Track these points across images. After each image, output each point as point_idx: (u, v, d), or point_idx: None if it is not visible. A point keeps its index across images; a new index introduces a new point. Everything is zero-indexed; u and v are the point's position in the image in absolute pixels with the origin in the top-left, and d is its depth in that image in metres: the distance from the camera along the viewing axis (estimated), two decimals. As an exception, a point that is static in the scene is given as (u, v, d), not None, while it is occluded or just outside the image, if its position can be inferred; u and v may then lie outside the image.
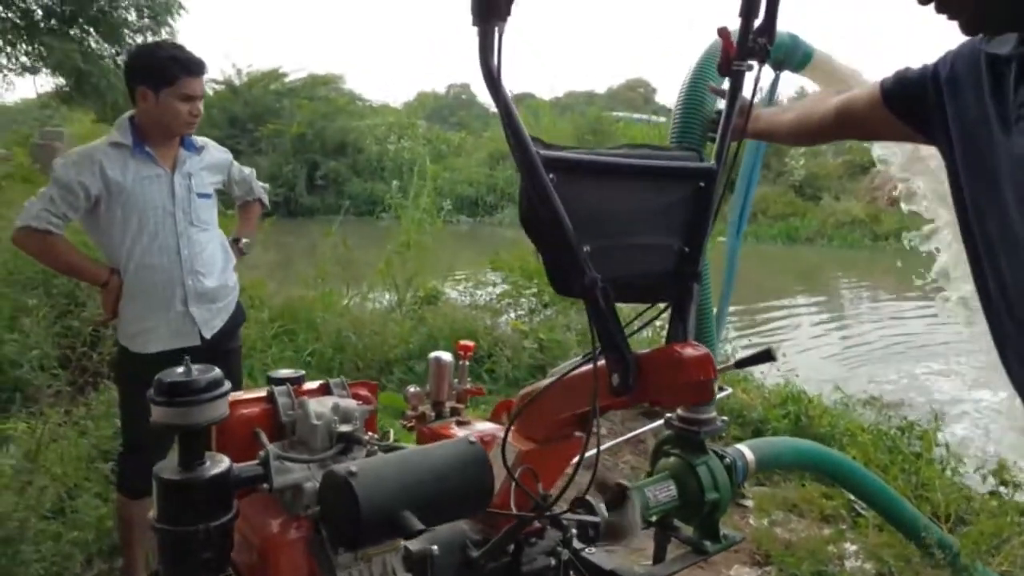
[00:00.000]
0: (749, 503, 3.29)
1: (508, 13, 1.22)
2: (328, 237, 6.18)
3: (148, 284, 2.47)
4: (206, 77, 2.58)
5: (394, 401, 3.64)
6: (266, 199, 3.02)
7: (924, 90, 1.32)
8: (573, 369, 1.48)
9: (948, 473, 3.55)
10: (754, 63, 1.53)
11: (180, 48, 2.53)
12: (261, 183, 3.00)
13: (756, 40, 1.51)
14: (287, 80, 23.08)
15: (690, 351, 1.33)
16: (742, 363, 1.54)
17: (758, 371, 5.06)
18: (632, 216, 1.43)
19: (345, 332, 4.85)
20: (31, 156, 10.31)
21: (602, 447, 2.32)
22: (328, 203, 19.89)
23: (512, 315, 5.82)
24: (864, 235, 15.82)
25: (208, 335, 2.54)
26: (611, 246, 1.38)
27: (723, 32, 1.56)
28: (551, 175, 1.31)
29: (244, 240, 2.91)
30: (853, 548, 2.81)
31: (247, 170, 2.92)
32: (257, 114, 21.60)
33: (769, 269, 14.11)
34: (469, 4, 1.23)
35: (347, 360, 4.64)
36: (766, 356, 1.47)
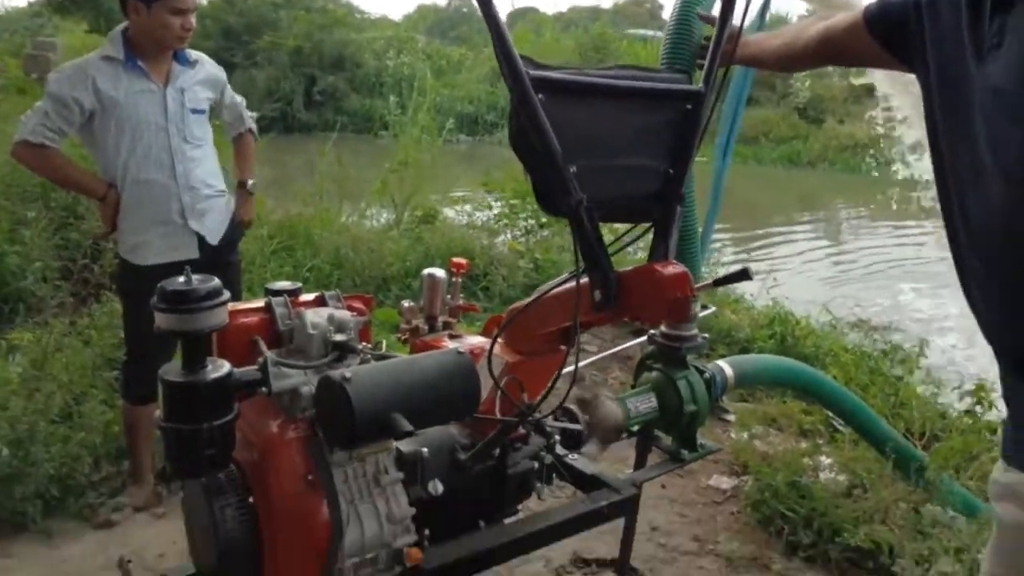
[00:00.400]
0: (731, 417, 3.42)
1: (500, -69, 1.23)
2: (323, 156, 6.14)
3: (144, 198, 2.51)
4: None
5: (390, 316, 3.73)
6: (255, 129, 2.99)
7: (906, 17, 1.33)
8: (558, 285, 1.54)
9: (927, 394, 3.67)
10: (746, -16, 1.54)
11: None
12: (251, 113, 2.97)
13: (749, -40, 1.51)
14: (285, -10, 22.40)
15: (670, 270, 1.39)
16: (719, 282, 1.60)
17: (748, 292, 5.15)
18: (619, 137, 1.47)
19: (343, 249, 4.90)
20: (24, 67, 10.12)
21: (586, 361, 2.42)
22: (326, 119, 19.59)
23: (509, 235, 5.87)
24: (864, 159, 15.68)
25: (215, 242, 2.60)
26: (597, 167, 1.43)
27: (717, -48, 1.57)
28: (540, 95, 1.34)
29: (251, 181, 2.87)
30: (828, 461, 2.94)
31: (238, 98, 2.90)
32: (252, 25, 21.02)
33: (769, 192, 14.07)
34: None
35: (345, 276, 4.71)
36: (742, 275, 1.53)
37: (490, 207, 6.51)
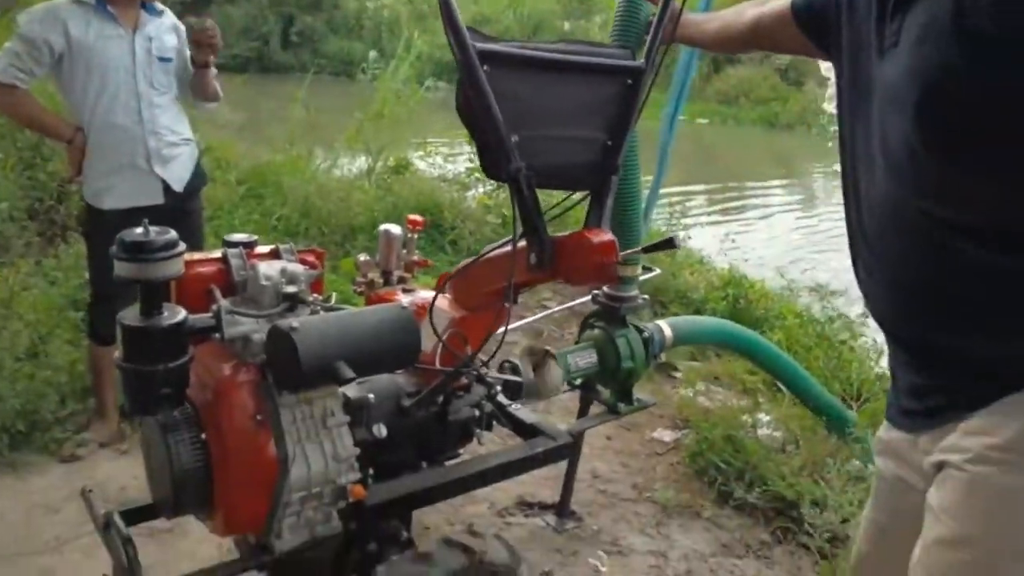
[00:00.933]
0: (679, 375, 3.58)
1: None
2: (296, 101, 6.11)
3: (111, 142, 2.55)
4: None
5: (350, 267, 3.81)
6: (219, 92, 2.92)
7: (828, 10, 1.43)
8: (498, 247, 1.64)
9: (868, 359, 3.83)
10: (689, -36, 1.62)
11: None
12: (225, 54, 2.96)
13: (691, -57, 1.59)
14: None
15: (599, 237, 1.50)
16: (648, 249, 1.70)
17: (711, 255, 5.29)
18: (560, 109, 1.55)
19: (312, 198, 4.93)
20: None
21: (537, 317, 2.54)
22: (303, 60, 19.27)
23: (480, 190, 5.92)
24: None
25: (180, 189, 2.65)
26: (538, 136, 1.52)
27: (660, -60, 1.64)
28: (485, 67, 1.42)
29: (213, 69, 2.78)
30: (767, 418, 3.10)
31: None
32: (229, -40, 20.49)
33: (746, 153, 14.17)
34: None
35: (312, 226, 4.76)
36: (668, 244, 1.63)
37: (469, 160, 6.52)
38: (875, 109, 1.23)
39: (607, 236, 1.50)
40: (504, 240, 1.66)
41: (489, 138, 1.46)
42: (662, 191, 7.04)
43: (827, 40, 1.44)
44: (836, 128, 1.50)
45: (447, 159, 6.69)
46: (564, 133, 1.57)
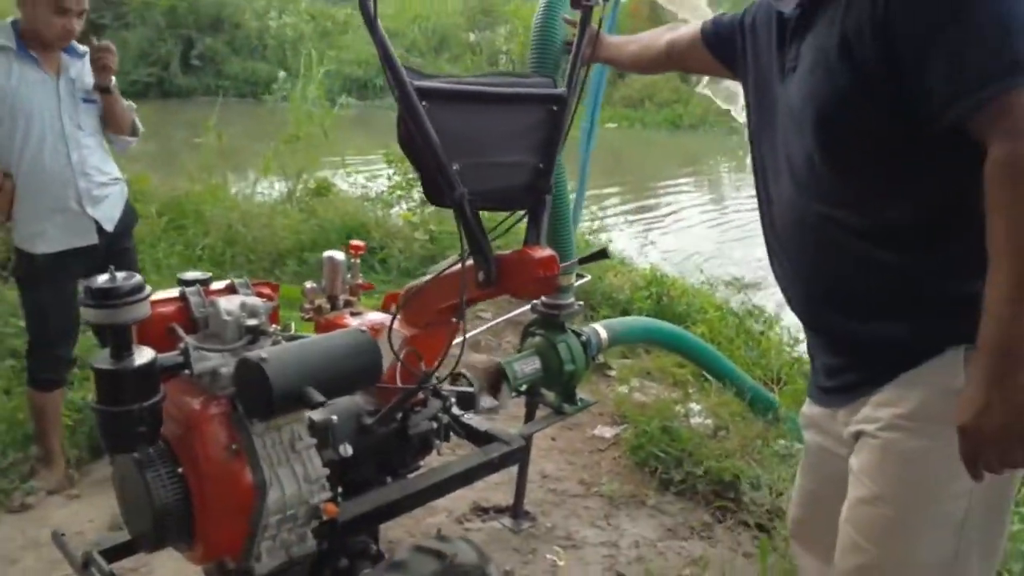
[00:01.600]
0: (613, 373, 3.76)
1: (382, -41, 1.41)
2: (208, 130, 6.05)
3: (40, 185, 2.54)
4: None
5: (291, 293, 3.83)
6: (139, 126, 2.89)
7: (734, 34, 1.60)
8: (447, 268, 1.75)
9: (785, 345, 4.10)
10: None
11: None
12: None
13: (602, -21, 1.75)
14: (153, -55, 21.18)
15: (540, 253, 1.63)
16: (583, 260, 1.85)
17: (631, 256, 5.51)
18: (495, 137, 1.69)
19: (235, 226, 4.92)
20: None
21: (477, 331, 2.65)
22: (206, 83, 18.86)
23: (403, 207, 5.99)
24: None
25: (111, 228, 2.65)
26: (477, 163, 1.65)
27: (575, -29, 1.79)
28: (424, 103, 1.54)
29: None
30: (698, 408, 3.30)
31: (132, 103, 2.87)
32: (122, -16, 19.87)
33: (654, 154, 14.63)
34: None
35: (238, 254, 4.74)
36: (602, 254, 1.78)
37: (388, 178, 6.58)
38: (779, 126, 1.40)
39: (547, 251, 1.64)
40: (451, 260, 1.78)
41: (431, 168, 1.58)
42: (597, 204, 7.25)
43: (734, 63, 1.62)
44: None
45: (368, 178, 6.73)
46: (500, 159, 1.70)
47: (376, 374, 1.61)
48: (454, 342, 1.76)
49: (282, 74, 6.83)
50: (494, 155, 1.68)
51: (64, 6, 2.47)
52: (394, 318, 1.72)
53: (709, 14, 3.79)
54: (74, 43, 2.64)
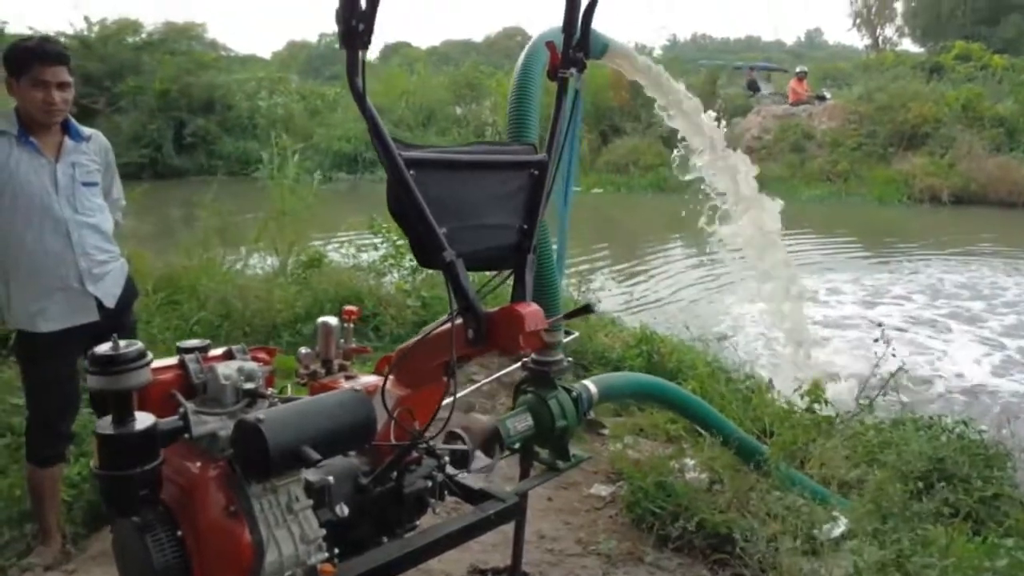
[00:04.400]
0: (606, 431, 3.78)
1: (369, 42, 1.52)
2: (203, 207, 6.18)
3: (42, 266, 2.60)
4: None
5: (286, 363, 3.88)
6: (121, 219, 3.06)
7: None
8: (438, 327, 1.82)
9: (775, 398, 4.14)
10: (574, 70, 1.89)
11: (46, 39, 2.66)
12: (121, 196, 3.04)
13: (575, 53, 1.87)
14: (144, 32, 21.85)
15: (527, 309, 1.70)
16: (569, 315, 1.91)
17: (621, 315, 5.59)
18: (480, 201, 1.78)
19: (229, 299, 4.98)
20: None
21: (468, 390, 2.70)
22: (199, 163, 19.24)
23: (396, 275, 6.08)
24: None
25: (112, 304, 2.71)
26: (463, 226, 1.73)
27: (550, 45, 1.92)
28: (411, 171, 1.63)
29: None
30: (692, 462, 3.32)
31: (122, 200, 3.00)
32: (114, 71, 20.36)
33: (639, 217, 14.87)
34: (336, 29, 1.53)
35: (234, 327, 4.79)
36: (587, 309, 1.85)
37: (375, 247, 6.71)
38: None
39: (533, 307, 1.70)
40: (441, 320, 1.84)
41: (421, 232, 1.66)
42: (569, 260, 7.41)
43: None
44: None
45: (359, 249, 6.84)
46: (485, 222, 1.78)
47: (370, 432, 1.65)
48: (446, 401, 1.80)
49: (264, 155, 7.02)
50: (480, 218, 1.76)
51: (41, 79, 2.55)
52: (387, 378, 1.77)
53: (683, 97, 4.00)
54: (77, 126, 2.74)
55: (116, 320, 2.71)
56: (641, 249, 11.09)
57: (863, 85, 18.88)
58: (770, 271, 4.95)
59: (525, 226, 1.82)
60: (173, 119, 19.94)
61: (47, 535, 2.73)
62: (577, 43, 1.86)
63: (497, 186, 1.80)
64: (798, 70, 19.98)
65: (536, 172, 1.84)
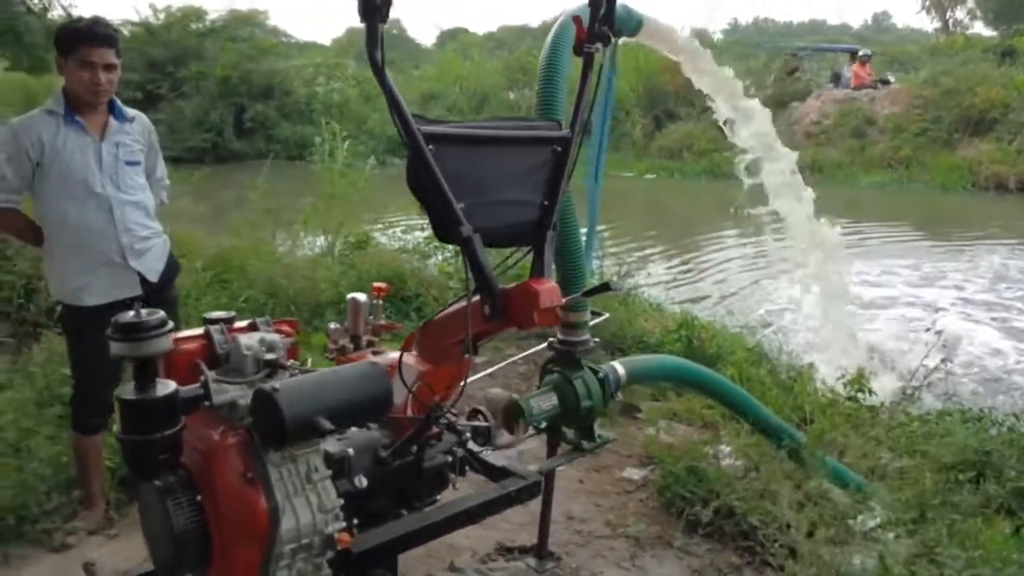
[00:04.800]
0: (641, 415, 3.75)
1: (388, 15, 1.53)
2: (254, 190, 6.33)
3: (86, 242, 2.69)
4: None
5: (321, 340, 3.95)
6: (166, 198, 3.12)
7: None
8: (455, 303, 1.82)
9: (818, 387, 4.05)
10: (600, 45, 1.86)
11: (95, 20, 2.72)
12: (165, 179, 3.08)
13: (601, 27, 1.84)
14: (208, 19, 22.35)
15: (543, 286, 1.69)
16: (587, 293, 1.90)
17: (665, 301, 5.53)
18: (500, 177, 1.77)
19: (277, 279, 5.09)
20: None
21: (491, 369, 2.70)
22: (258, 148, 19.61)
23: (439, 257, 6.13)
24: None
25: (155, 279, 2.80)
26: (482, 202, 1.73)
27: (577, 20, 1.89)
28: (431, 146, 1.64)
29: None
30: (727, 449, 3.27)
31: (166, 179, 3.06)
32: (177, 57, 20.89)
33: (692, 203, 14.65)
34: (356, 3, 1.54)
35: (279, 305, 4.89)
36: (605, 287, 1.84)
37: (421, 229, 6.76)
38: None
39: (550, 283, 1.70)
40: (460, 297, 1.85)
41: (439, 207, 1.67)
42: (618, 248, 7.35)
43: None
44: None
45: (406, 231, 6.91)
46: (505, 197, 1.78)
47: (386, 404, 1.67)
48: (468, 379, 1.81)
49: (318, 139, 7.14)
50: (499, 194, 1.76)
51: (88, 59, 2.63)
52: (403, 352, 1.79)
53: (725, 80, 3.90)
54: (122, 107, 2.82)
55: (159, 295, 2.79)
56: (691, 236, 10.93)
57: (929, 69, 18.20)
58: (815, 259, 4.84)
59: (546, 203, 1.81)
60: (234, 104, 20.37)
61: (91, 501, 2.84)
62: (603, 17, 1.83)
63: (518, 162, 1.79)
64: (861, 53, 19.32)
65: (559, 148, 1.83)
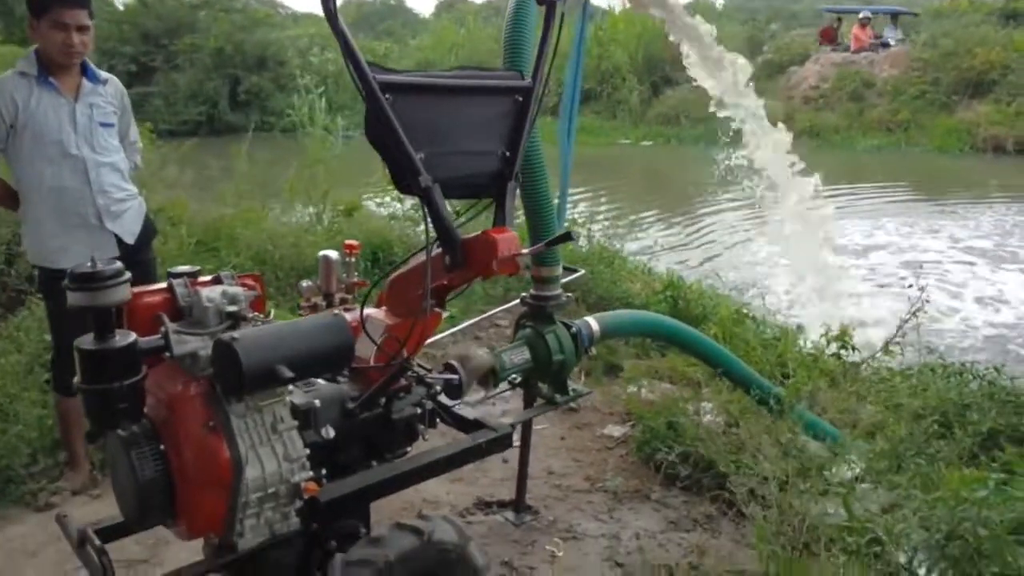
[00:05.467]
0: (624, 374, 3.77)
1: (340, -37, 1.51)
2: (238, 157, 6.32)
3: (63, 203, 2.69)
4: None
5: (282, 314, 3.96)
6: (140, 162, 3.13)
7: None
8: (416, 253, 1.83)
9: (802, 346, 4.06)
10: (564, -6, 1.84)
11: None
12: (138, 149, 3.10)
13: (563, -25, 1.82)
14: (202, -11, 22.10)
15: (502, 235, 1.69)
16: (549, 243, 1.90)
17: (650, 262, 5.53)
18: (460, 127, 1.77)
19: (264, 246, 5.09)
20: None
21: (463, 324, 2.71)
22: (253, 120, 19.48)
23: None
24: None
25: (131, 241, 2.80)
26: (442, 152, 1.73)
27: (540, -32, 1.87)
28: (388, 96, 1.63)
29: None
30: (709, 406, 3.29)
31: (138, 142, 3.07)
32: (171, 29, 20.71)
33: (688, 170, 14.57)
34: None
35: (267, 271, 4.90)
36: (566, 237, 1.84)
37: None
38: None
39: (509, 233, 1.69)
40: (421, 248, 1.85)
41: (397, 158, 1.66)
42: (619, 215, 7.33)
43: None
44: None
45: (396, 199, 6.89)
46: (465, 148, 1.77)
47: (347, 355, 1.68)
48: (439, 334, 1.82)
49: (296, 106, 7.11)
50: (459, 144, 1.76)
51: (61, 20, 2.61)
52: (363, 304, 1.80)
53: (703, 34, 3.87)
54: (95, 69, 2.80)
55: (135, 257, 2.79)
56: (685, 201, 10.91)
57: (928, 31, 17.99)
58: (795, 209, 4.84)
59: (507, 153, 1.81)
60: (228, 76, 20.21)
61: (75, 462, 2.87)
62: (565, -36, 1.81)
63: (478, 112, 1.78)
64: (861, 15, 19.09)
65: (520, 98, 1.82)
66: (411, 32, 30.20)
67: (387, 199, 6.79)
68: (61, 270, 2.71)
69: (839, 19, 19.66)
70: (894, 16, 18.99)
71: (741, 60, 4.12)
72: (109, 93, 2.84)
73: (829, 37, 18.50)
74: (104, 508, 2.71)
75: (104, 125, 2.78)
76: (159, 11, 21.08)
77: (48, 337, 3.13)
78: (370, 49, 23.75)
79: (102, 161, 2.75)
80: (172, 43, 20.31)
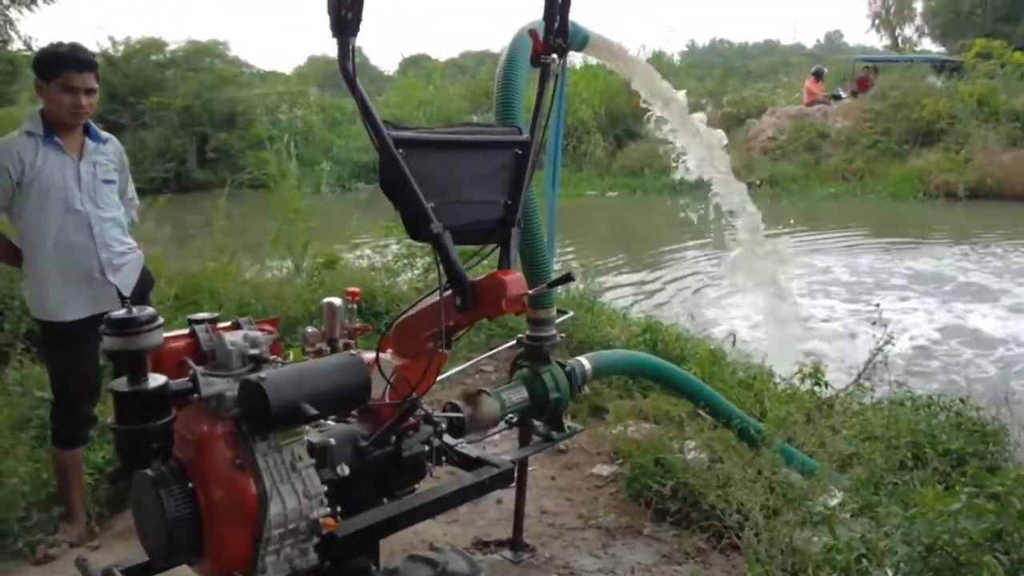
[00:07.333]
0: (609, 416, 3.87)
1: (358, 29, 1.66)
2: (219, 212, 6.41)
3: (66, 259, 2.77)
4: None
5: (299, 356, 4.02)
6: (136, 217, 3.26)
7: None
8: (428, 296, 1.94)
9: (776, 384, 4.21)
10: (555, 56, 2.01)
11: (76, 47, 2.81)
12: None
13: (555, 40, 1.99)
14: (168, 49, 22.29)
15: (509, 276, 1.82)
16: (552, 284, 2.03)
17: (622, 305, 5.69)
18: (466, 178, 1.91)
19: (246, 299, 5.14)
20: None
21: (464, 366, 2.81)
22: (221, 176, 19.49)
23: (409, 274, 6.22)
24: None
25: (128, 293, 2.88)
26: (450, 201, 1.86)
27: (532, 33, 2.04)
28: (401, 150, 1.76)
29: None
30: (692, 443, 3.40)
31: (136, 200, 3.20)
32: (138, 87, 20.78)
33: (653, 219, 14.92)
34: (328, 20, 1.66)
35: (251, 323, 4.95)
36: (568, 278, 1.97)
37: (391, 248, 6.85)
38: None
39: (515, 274, 1.83)
40: (431, 291, 1.96)
41: (410, 207, 1.79)
42: (587, 264, 7.52)
43: None
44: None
45: (376, 250, 7.00)
46: (472, 197, 1.91)
47: (365, 393, 1.78)
48: (441, 373, 1.92)
49: (263, 153, 7.26)
50: (466, 194, 1.89)
51: (70, 84, 2.73)
52: (380, 344, 1.90)
53: (668, 91, 4.10)
54: (97, 129, 2.91)
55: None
56: (653, 248, 11.19)
57: (877, 84, 18.79)
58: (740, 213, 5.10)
59: (509, 201, 1.94)
60: (196, 134, 20.28)
61: (73, 514, 2.88)
62: (556, 31, 1.98)
63: (483, 165, 1.92)
64: (814, 70, 19.92)
65: (520, 151, 1.96)
66: (377, 89, 30.67)
67: (366, 251, 6.90)
68: (64, 321, 2.78)
69: (875, 69, 20.19)
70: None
71: (718, 132, 4.37)
72: (110, 151, 2.94)
73: (864, 86, 19.17)
74: (104, 559, 2.71)
75: (106, 182, 2.87)
76: (125, 70, 21.17)
77: (39, 393, 3.17)
78: (339, 107, 24.07)
79: (105, 216, 2.83)
80: (140, 102, 20.39)
